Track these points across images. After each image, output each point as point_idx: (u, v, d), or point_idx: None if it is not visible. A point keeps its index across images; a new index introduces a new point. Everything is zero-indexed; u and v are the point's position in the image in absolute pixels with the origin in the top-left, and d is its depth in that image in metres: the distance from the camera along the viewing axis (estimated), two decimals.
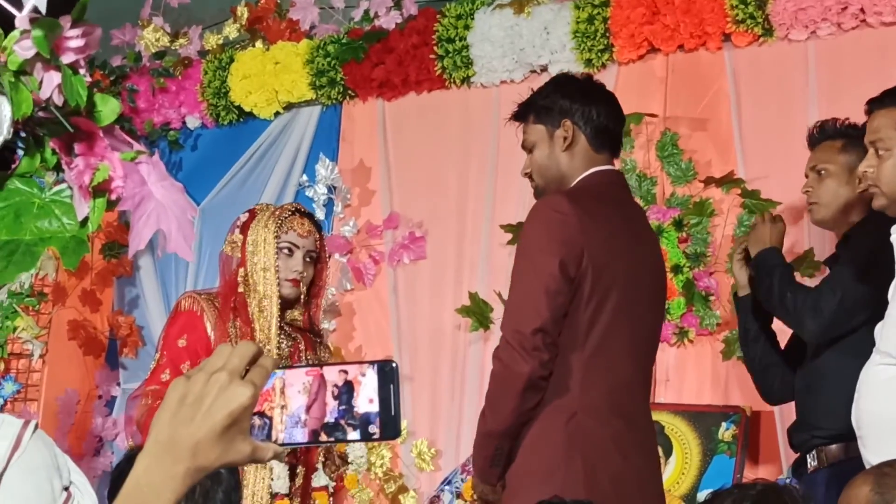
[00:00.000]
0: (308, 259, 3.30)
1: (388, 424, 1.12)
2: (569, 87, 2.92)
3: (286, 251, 3.26)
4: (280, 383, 1.12)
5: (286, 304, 3.28)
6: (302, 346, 3.34)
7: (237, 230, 3.31)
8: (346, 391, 1.12)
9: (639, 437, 2.77)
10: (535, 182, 2.93)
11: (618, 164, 4.06)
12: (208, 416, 1.09)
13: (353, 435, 1.12)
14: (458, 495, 4.17)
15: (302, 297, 3.32)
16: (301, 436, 1.13)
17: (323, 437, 1.13)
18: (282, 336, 3.28)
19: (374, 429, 1.12)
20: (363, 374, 1.12)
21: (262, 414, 1.12)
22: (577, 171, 2.86)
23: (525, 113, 2.95)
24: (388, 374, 1.13)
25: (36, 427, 1.61)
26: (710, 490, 3.42)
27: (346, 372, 1.12)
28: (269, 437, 1.12)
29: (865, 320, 2.95)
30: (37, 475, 1.55)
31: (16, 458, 1.54)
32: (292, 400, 1.12)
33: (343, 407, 1.12)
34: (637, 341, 2.80)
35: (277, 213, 3.31)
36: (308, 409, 1.12)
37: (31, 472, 1.55)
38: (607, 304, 2.72)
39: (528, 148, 2.94)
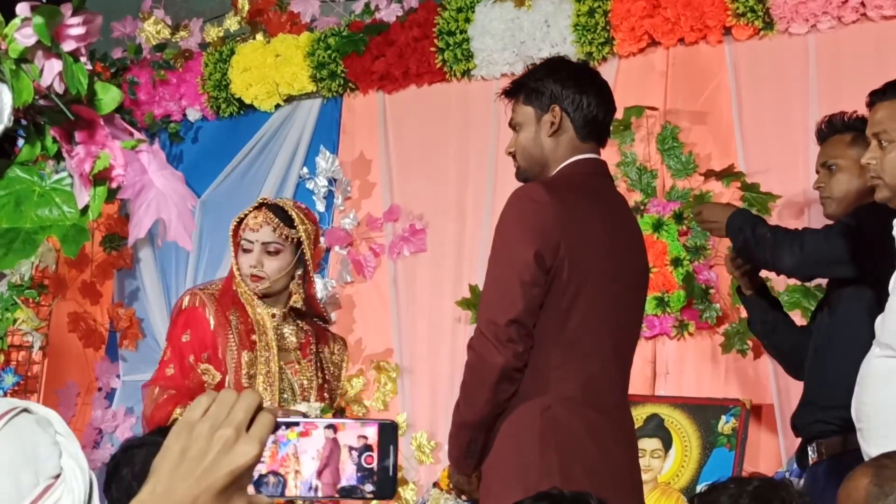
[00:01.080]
0: (269, 251, 3.28)
1: (386, 484, 1.13)
2: (562, 72, 2.86)
3: (243, 249, 3.28)
4: (293, 449, 1.13)
5: (269, 297, 3.28)
6: (314, 340, 3.33)
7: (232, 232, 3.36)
8: (359, 453, 1.14)
9: (615, 429, 2.73)
10: (518, 163, 2.89)
11: (615, 157, 4.11)
12: (210, 473, 1.07)
13: (357, 494, 1.14)
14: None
15: (290, 288, 3.31)
16: (309, 494, 1.14)
17: (334, 496, 1.15)
18: (292, 326, 3.29)
19: (370, 486, 1.13)
20: (368, 435, 1.14)
21: (276, 473, 1.12)
22: (561, 158, 2.81)
23: (516, 91, 2.90)
24: (387, 433, 1.14)
25: (14, 416, 1.50)
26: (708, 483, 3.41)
27: (364, 437, 1.14)
28: (282, 494, 1.13)
29: (843, 278, 3.05)
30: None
31: None
32: (305, 466, 1.13)
33: (360, 473, 1.13)
34: (614, 334, 2.76)
35: (241, 213, 3.33)
36: (320, 473, 1.13)
37: None
38: (583, 296, 2.67)
39: (514, 127, 2.90)
